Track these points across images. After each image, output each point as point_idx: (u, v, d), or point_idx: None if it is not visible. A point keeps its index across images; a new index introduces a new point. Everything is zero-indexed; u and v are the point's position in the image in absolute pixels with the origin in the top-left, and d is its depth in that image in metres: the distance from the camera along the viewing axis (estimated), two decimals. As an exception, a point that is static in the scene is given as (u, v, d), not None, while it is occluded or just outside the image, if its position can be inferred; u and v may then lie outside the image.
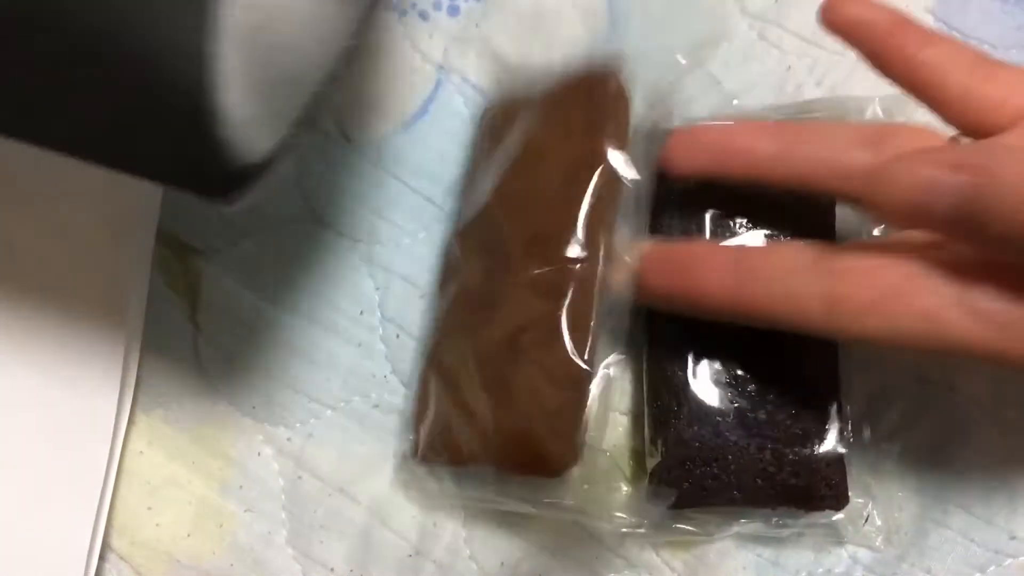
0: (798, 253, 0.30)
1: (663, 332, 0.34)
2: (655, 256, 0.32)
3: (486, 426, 0.32)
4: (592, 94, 0.35)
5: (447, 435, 0.34)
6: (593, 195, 0.32)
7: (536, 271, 0.32)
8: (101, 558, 0.36)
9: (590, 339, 0.31)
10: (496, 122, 0.38)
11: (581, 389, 0.31)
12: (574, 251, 0.32)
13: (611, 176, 0.32)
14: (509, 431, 0.32)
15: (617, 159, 0.33)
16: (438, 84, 0.39)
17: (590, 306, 0.31)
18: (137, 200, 0.38)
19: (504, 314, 0.33)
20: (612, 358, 0.32)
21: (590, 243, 0.32)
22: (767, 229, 0.34)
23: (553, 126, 0.35)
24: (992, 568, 0.35)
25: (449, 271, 0.37)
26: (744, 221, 0.34)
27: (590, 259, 0.32)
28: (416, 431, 0.36)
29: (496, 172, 0.36)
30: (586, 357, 0.31)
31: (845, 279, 0.28)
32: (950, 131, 0.30)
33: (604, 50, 0.38)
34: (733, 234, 0.34)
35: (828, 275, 0.29)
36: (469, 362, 0.33)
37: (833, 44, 0.30)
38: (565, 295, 0.31)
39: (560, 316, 0.31)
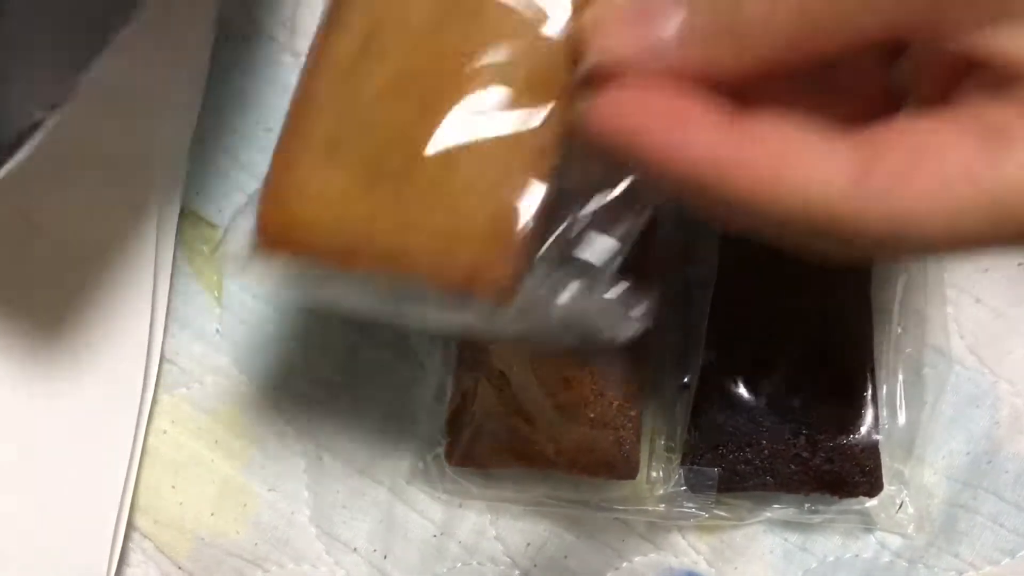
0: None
1: (697, 315, 0.34)
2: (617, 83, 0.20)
3: (552, 430, 0.33)
4: None
5: (497, 439, 0.34)
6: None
7: None
8: (125, 537, 0.36)
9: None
10: None
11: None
12: None
13: None
14: (580, 435, 0.33)
15: None
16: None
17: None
18: (160, 178, 0.37)
19: None
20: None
21: None
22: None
23: None
24: (1022, 553, 0.35)
25: None
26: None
27: None
28: (452, 436, 0.35)
29: None
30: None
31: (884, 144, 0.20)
32: None
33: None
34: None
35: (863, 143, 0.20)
36: (525, 365, 0.33)
37: None
38: None
39: None
